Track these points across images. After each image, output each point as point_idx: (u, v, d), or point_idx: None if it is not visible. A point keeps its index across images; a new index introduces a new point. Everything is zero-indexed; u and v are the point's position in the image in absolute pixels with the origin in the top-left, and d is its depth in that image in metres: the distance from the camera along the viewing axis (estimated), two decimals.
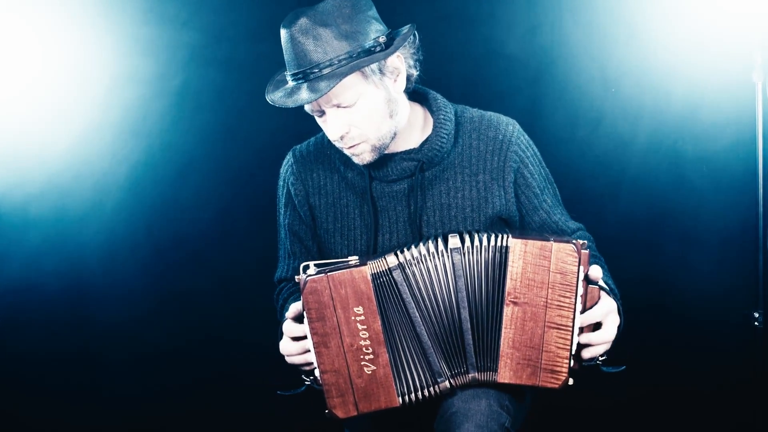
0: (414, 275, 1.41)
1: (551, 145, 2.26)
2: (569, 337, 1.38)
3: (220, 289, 2.59)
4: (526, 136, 1.67)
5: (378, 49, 1.45)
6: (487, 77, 2.47)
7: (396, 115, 1.54)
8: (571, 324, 1.38)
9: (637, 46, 2.41)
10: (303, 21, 1.43)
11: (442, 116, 1.62)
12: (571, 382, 1.40)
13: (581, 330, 1.42)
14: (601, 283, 1.43)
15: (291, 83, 1.48)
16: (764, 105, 2.25)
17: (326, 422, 1.48)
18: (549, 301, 1.38)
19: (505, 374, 1.40)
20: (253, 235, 2.53)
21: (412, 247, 1.42)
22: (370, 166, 1.60)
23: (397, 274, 1.40)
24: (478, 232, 1.43)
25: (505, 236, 1.40)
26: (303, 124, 1.84)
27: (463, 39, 2.46)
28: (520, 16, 2.43)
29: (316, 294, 1.37)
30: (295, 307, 1.45)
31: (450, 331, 1.42)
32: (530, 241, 1.38)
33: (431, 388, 1.42)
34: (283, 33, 1.45)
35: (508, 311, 1.39)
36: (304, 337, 1.44)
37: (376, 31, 1.46)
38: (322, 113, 1.52)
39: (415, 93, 1.66)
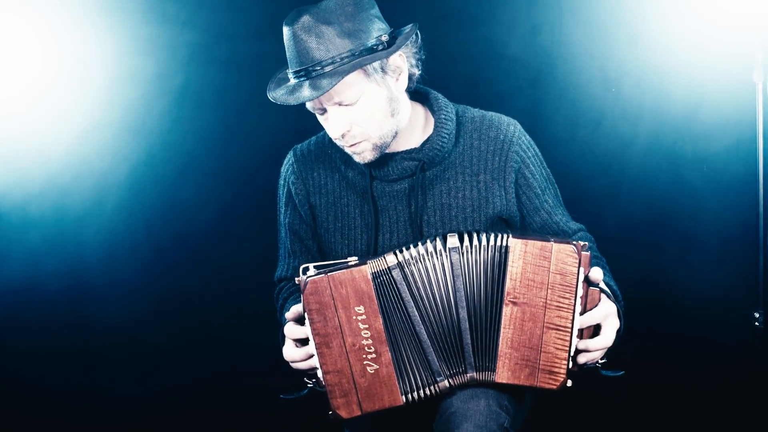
0: (413, 275, 1.41)
1: (551, 145, 2.25)
2: (568, 338, 1.38)
3: (220, 289, 2.59)
4: (528, 137, 1.67)
5: (380, 47, 1.45)
6: (487, 77, 2.47)
7: (397, 114, 1.54)
8: (570, 325, 1.37)
9: (638, 46, 2.40)
10: (306, 18, 1.42)
11: (444, 116, 1.61)
12: (569, 383, 1.39)
13: (580, 332, 1.42)
14: (602, 285, 1.42)
15: (293, 81, 1.48)
16: (764, 105, 2.25)
17: (326, 422, 1.47)
18: (548, 301, 1.37)
19: (503, 374, 1.40)
20: (253, 235, 2.53)
21: (411, 246, 1.41)
22: (371, 165, 1.60)
23: (396, 274, 1.40)
24: (478, 231, 1.43)
25: (505, 236, 1.39)
26: (303, 124, 1.85)
27: (463, 39, 2.46)
28: (521, 17, 2.43)
29: (317, 294, 1.37)
30: (295, 309, 1.45)
31: (448, 331, 1.42)
32: (530, 241, 1.38)
33: (431, 388, 1.42)
34: (286, 30, 1.45)
35: (507, 311, 1.39)
36: (307, 342, 1.43)
37: (378, 29, 1.46)
38: (324, 111, 1.52)
39: (416, 93, 1.66)
